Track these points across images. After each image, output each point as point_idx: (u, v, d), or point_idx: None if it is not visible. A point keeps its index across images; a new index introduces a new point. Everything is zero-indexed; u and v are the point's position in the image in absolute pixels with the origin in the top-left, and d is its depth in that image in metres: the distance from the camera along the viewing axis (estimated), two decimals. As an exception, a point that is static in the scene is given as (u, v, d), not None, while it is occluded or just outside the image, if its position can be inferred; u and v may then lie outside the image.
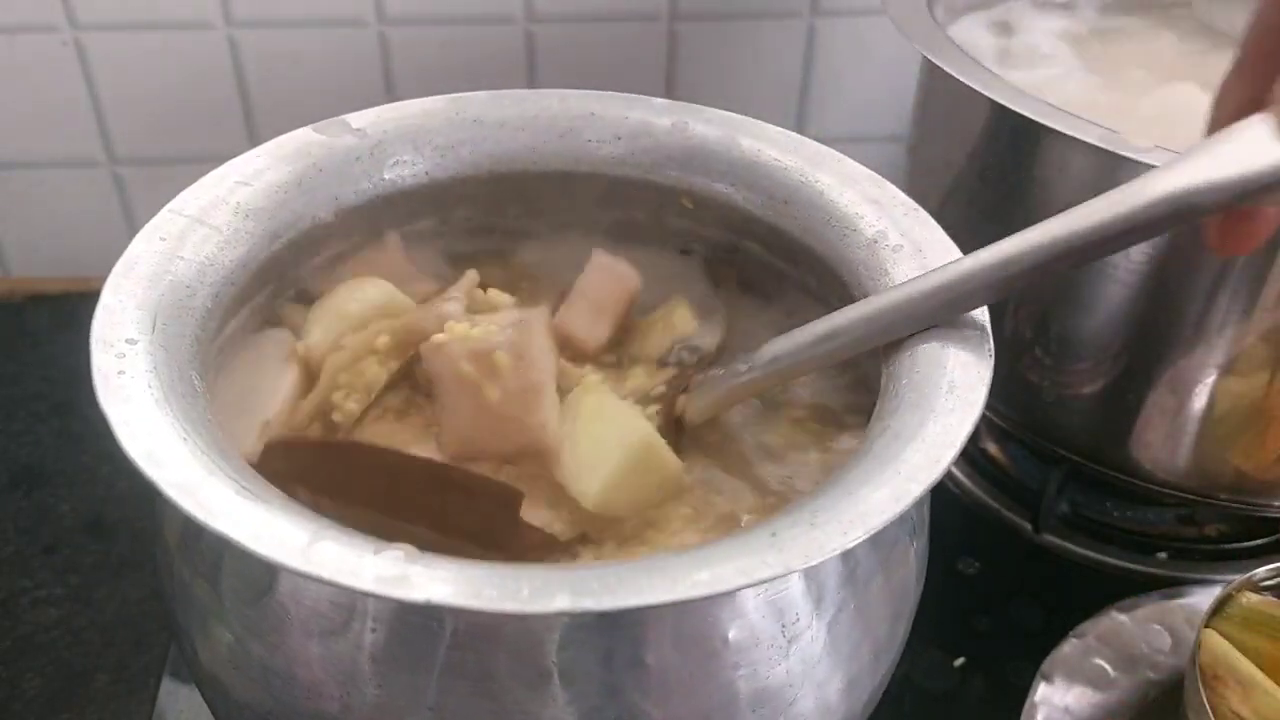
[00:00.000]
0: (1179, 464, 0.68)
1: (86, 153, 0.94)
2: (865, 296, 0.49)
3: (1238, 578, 0.61)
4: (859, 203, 0.52)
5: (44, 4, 0.87)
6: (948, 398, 0.41)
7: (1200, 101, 0.69)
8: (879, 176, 0.53)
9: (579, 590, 0.34)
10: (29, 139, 0.93)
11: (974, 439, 0.82)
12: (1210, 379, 0.64)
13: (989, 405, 0.73)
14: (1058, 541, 0.77)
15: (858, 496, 0.38)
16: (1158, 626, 0.67)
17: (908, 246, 0.49)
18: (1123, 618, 0.67)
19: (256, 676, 0.44)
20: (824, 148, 0.55)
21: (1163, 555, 0.77)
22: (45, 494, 0.80)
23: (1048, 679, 0.64)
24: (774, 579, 0.35)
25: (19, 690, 0.68)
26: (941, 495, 0.79)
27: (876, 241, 0.50)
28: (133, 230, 0.48)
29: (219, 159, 0.52)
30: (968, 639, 0.71)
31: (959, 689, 0.68)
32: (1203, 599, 0.67)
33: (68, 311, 0.94)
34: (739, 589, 0.34)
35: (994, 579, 0.75)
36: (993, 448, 0.83)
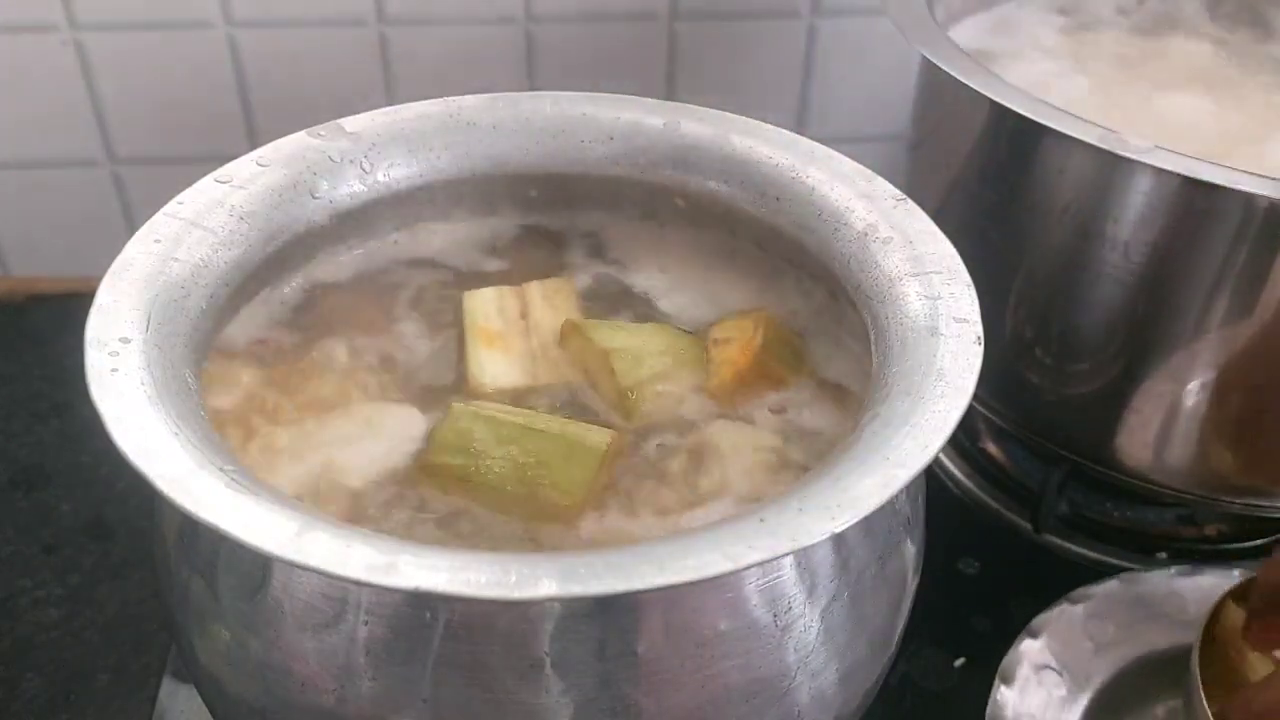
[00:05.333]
0: (1179, 464, 0.68)
1: (86, 153, 0.95)
2: (856, 288, 0.49)
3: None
4: (850, 197, 0.52)
5: (44, 4, 0.87)
6: (937, 385, 0.41)
7: (1201, 109, 0.69)
8: (869, 171, 0.53)
9: (566, 576, 0.34)
10: (29, 139, 0.93)
11: (974, 439, 0.83)
12: (1210, 379, 0.63)
13: (989, 405, 0.74)
14: (1058, 541, 0.77)
15: (846, 483, 0.38)
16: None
17: (898, 238, 0.49)
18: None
19: (252, 672, 0.44)
20: (815, 144, 0.55)
21: (1163, 555, 0.77)
22: (45, 494, 0.80)
23: (1033, 635, 0.66)
24: (761, 563, 0.35)
25: (19, 690, 0.68)
26: (942, 495, 0.80)
27: (866, 234, 0.50)
28: (133, 230, 0.48)
29: (219, 159, 0.53)
30: (968, 639, 0.71)
31: (959, 689, 0.68)
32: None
33: (68, 311, 0.93)
34: (727, 573, 0.34)
35: (994, 579, 0.75)
36: (993, 448, 0.83)
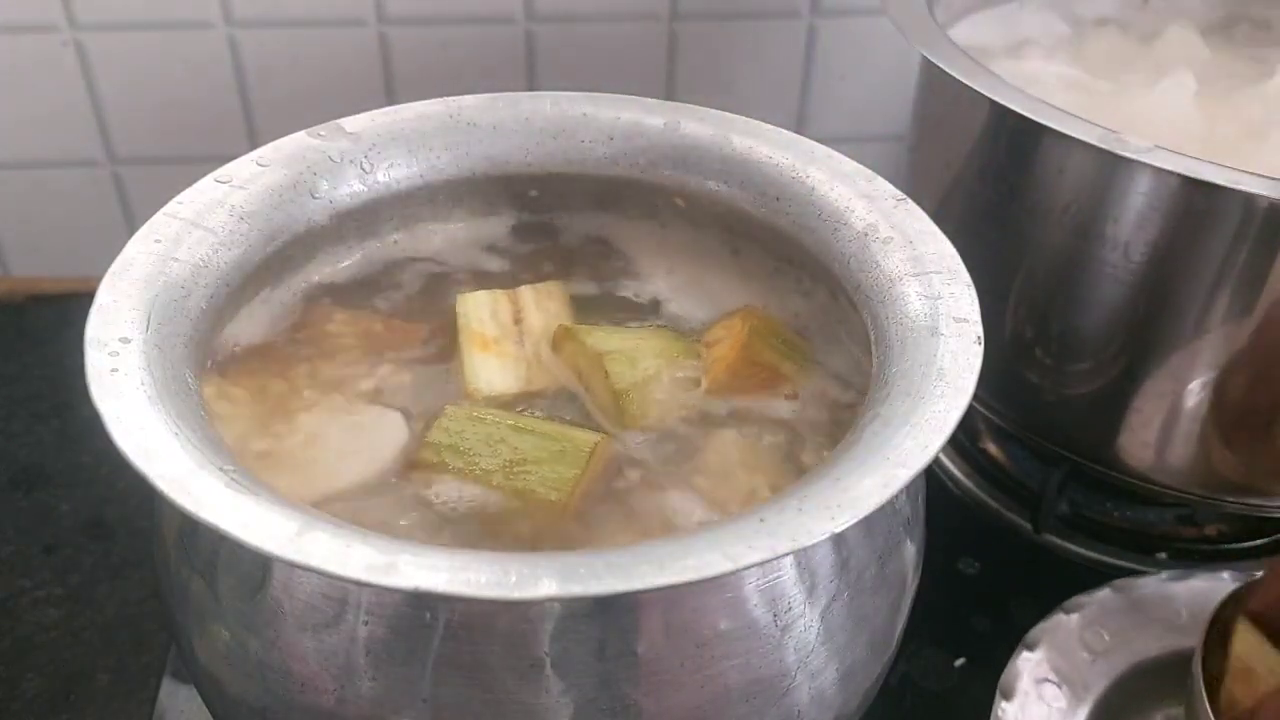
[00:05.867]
0: (1179, 464, 0.68)
1: (86, 153, 0.95)
2: (856, 288, 0.49)
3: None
4: (850, 197, 0.52)
5: (44, 4, 0.87)
6: (937, 385, 0.41)
7: (1200, 109, 0.69)
8: (870, 171, 0.53)
9: (566, 576, 0.34)
10: (29, 139, 0.93)
11: (974, 439, 0.83)
12: (1210, 379, 0.63)
13: (989, 405, 0.74)
14: (1058, 541, 0.77)
15: (846, 483, 0.38)
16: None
17: (898, 238, 0.49)
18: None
19: (252, 672, 0.44)
20: (816, 144, 0.55)
21: (1163, 555, 0.77)
22: (45, 494, 0.80)
23: (1030, 647, 0.65)
24: (761, 563, 0.35)
25: (19, 690, 0.68)
26: (942, 495, 0.80)
27: (867, 234, 0.50)
28: (133, 230, 0.48)
29: (219, 159, 0.53)
30: (968, 639, 0.71)
31: (959, 689, 0.68)
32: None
33: (68, 311, 0.93)
34: (727, 573, 0.34)
35: (994, 579, 0.75)
36: (993, 448, 0.83)
